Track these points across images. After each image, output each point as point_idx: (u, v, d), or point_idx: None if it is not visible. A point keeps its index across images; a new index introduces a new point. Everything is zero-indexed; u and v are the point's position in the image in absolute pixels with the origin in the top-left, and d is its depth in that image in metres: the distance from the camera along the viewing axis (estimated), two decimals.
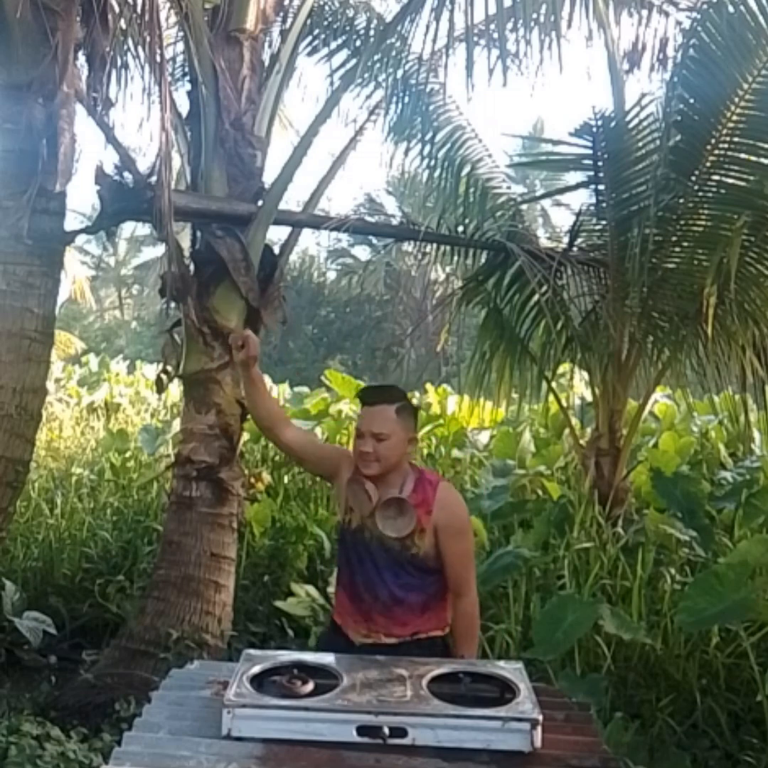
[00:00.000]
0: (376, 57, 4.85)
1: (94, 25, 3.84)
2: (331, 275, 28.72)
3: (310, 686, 2.01)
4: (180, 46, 5.59)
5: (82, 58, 4.00)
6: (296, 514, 5.95)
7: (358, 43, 5.70)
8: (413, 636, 2.70)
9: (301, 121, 6.45)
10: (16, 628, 4.73)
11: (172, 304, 4.56)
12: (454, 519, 2.75)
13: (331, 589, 4.68)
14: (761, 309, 4.78)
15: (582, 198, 5.56)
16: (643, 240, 4.59)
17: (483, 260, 5.51)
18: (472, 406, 6.81)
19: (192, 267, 4.65)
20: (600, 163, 4.80)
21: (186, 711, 2.02)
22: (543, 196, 15.67)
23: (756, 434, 6.25)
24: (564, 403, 6.04)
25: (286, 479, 6.90)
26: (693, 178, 4.65)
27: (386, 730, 1.86)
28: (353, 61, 5.57)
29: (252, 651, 2.29)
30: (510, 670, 2.15)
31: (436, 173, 5.65)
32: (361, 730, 1.86)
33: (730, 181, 4.71)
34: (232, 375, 4.58)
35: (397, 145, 5.60)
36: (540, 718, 1.86)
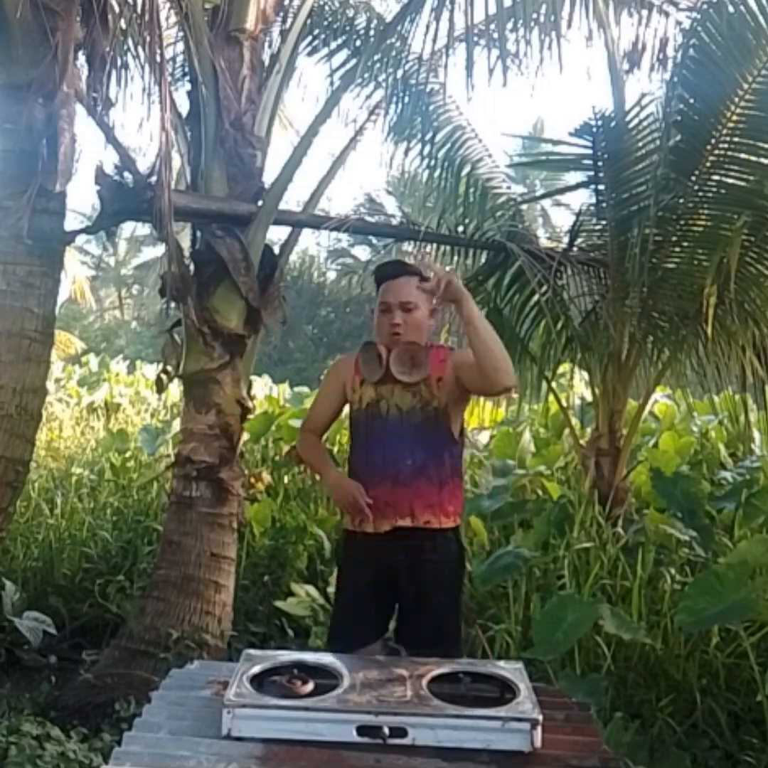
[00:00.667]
0: (376, 57, 4.84)
1: (94, 25, 3.83)
2: (331, 275, 28.74)
3: (310, 686, 2.01)
4: (180, 46, 5.58)
5: (82, 58, 3.99)
6: (296, 514, 5.95)
7: (358, 43, 5.69)
8: (427, 524, 2.75)
9: (301, 121, 6.45)
10: (16, 628, 4.72)
11: (172, 304, 4.56)
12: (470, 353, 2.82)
13: (331, 589, 4.68)
14: (761, 309, 4.77)
15: (582, 198, 5.56)
16: (643, 240, 4.59)
17: (483, 260, 5.51)
18: (472, 406, 6.80)
19: (192, 267, 4.65)
20: (600, 163, 4.80)
21: (186, 711, 2.02)
22: (543, 196, 15.63)
23: (756, 434, 6.25)
24: (564, 403, 6.03)
25: (286, 479, 6.89)
26: (693, 178, 4.64)
27: (386, 730, 1.86)
28: (353, 61, 5.56)
29: (252, 651, 2.29)
30: (510, 670, 2.15)
31: (436, 173, 5.65)
32: (361, 730, 1.86)
33: (730, 181, 4.71)
34: (232, 375, 4.58)
35: (397, 145, 5.59)
36: (540, 718, 1.87)
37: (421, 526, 2.76)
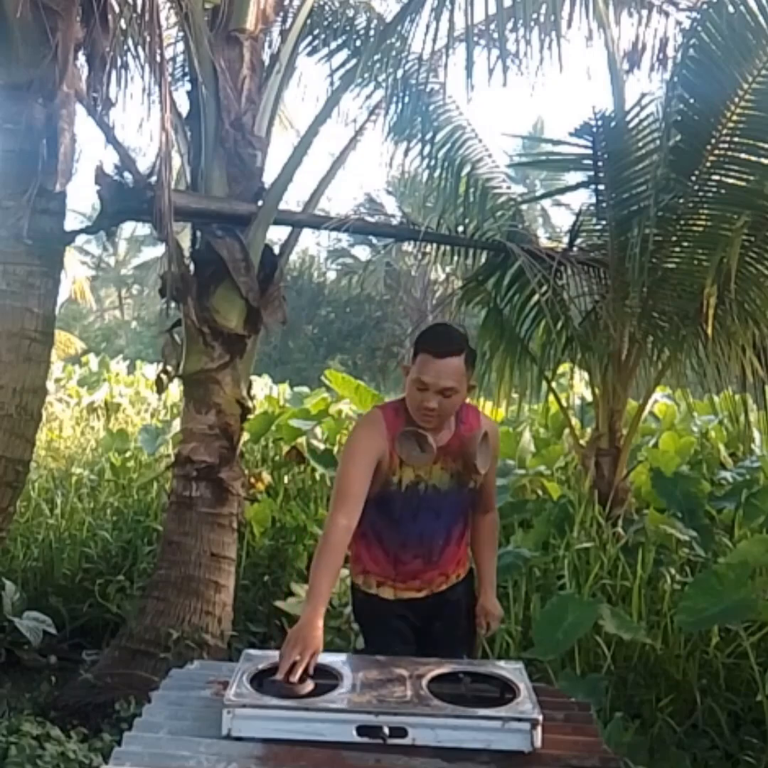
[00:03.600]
0: (376, 57, 4.83)
1: (94, 25, 3.83)
2: (331, 275, 28.77)
3: (310, 686, 2.01)
4: (180, 46, 5.58)
5: (82, 58, 3.99)
6: (296, 514, 5.95)
7: (358, 43, 5.69)
8: (458, 576, 2.78)
9: (301, 121, 6.45)
10: (16, 628, 4.72)
11: (172, 304, 4.56)
12: (496, 444, 2.79)
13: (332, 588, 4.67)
14: (761, 309, 4.77)
15: (582, 198, 5.57)
16: (643, 240, 4.59)
17: (483, 260, 5.51)
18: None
19: (192, 267, 4.65)
20: (600, 163, 4.80)
21: (186, 711, 2.02)
22: (543, 196, 15.62)
23: (756, 434, 6.25)
24: (564, 403, 6.03)
25: (286, 479, 6.90)
26: (693, 178, 4.65)
27: (386, 730, 1.86)
28: (353, 61, 5.56)
29: (252, 651, 2.30)
30: (510, 670, 2.15)
31: (436, 173, 5.65)
32: (361, 730, 1.86)
33: (730, 181, 4.71)
34: (232, 375, 4.58)
35: (397, 145, 5.59)
36: (540, 718, 1.87)
37: (453, 583, 2.79)
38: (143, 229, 21.01)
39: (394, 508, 2.63)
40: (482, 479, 2.71)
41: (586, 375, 5.69)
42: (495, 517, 2.95)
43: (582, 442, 5.62)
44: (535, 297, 5.23)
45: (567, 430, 6.23)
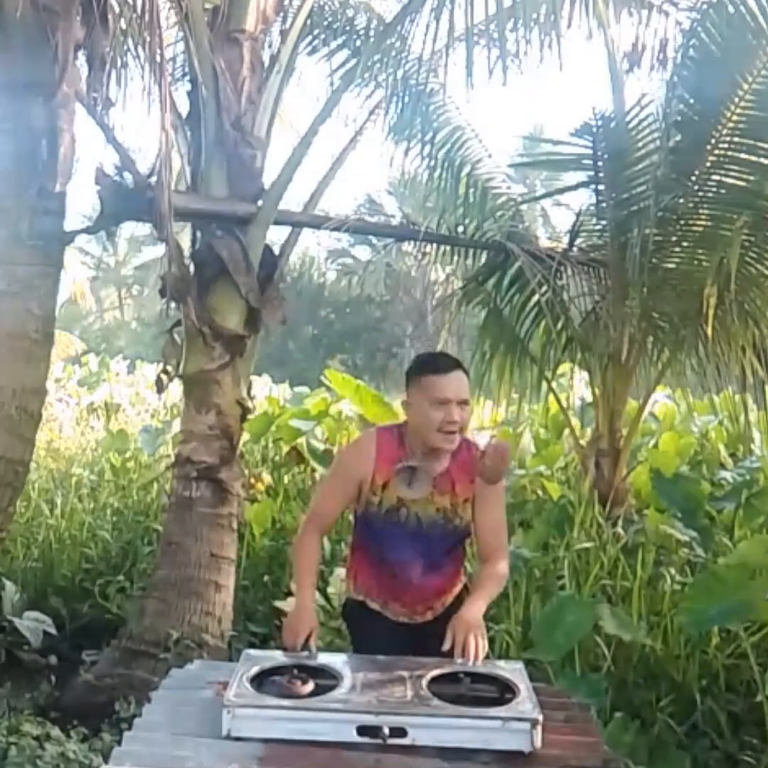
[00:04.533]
0: (376, 57, 4.84)
1: (94, 25, 3.83)
2: (331, 276, 28.76)
3: (310, 686, 2.01)
4: (180, 46, 5.58)
5: (82, 58, 4.00)
6: (296, 514, 5.95)
7: (358, 43, 5.70)
8: (443, 605, 2.72)
9: (301, 121, 6.45)
10: (16, 628, 4.72)
11: (172, 304, 4.56)
12: (497, 486, 2.71)
13: (331, 590, 4.67)
14: (761, 309, 4.78)
15: (582, 198, 5.57)
16: (643, 240, 4.59)
17: (483, 260, 5.51)
18: (471, 407, 6.79)
19: (192, 267, 4.65)
20: (600, 163, 4.81)
21: (186, 711, 2.02)
22: (543, 196, 15.62)
23: (756, 434, 6.25)
24: (564, 403, 6.03)
25: (286, 479, 6.89)
26: (693, 178, 4.65)
27: (386, 730, 1.86)
28: (353, 61, 5.57)
29: (252, 651, 2.30)
30: (510, 670, 2.15)
31: (436, 173, 5.66)
32: (361, 730, 1.86)
33: (730, 181, 4.72)
34: (232, 375, 4.58)
35: (397, 145, 5.61)
36: (540, 718, 1.87)
37: (439, 613, 2.71)
38: (143, 229, 20.91)
39: (375, 526, 2.70)
40: (469, 518, 2.62)
41: (586, 375, 5.69)
42: (504, 569, 2.67)
43: (582, 442, 5.61)
44: (535, 297, 5.23)
45: (567, 431, 6.23)
